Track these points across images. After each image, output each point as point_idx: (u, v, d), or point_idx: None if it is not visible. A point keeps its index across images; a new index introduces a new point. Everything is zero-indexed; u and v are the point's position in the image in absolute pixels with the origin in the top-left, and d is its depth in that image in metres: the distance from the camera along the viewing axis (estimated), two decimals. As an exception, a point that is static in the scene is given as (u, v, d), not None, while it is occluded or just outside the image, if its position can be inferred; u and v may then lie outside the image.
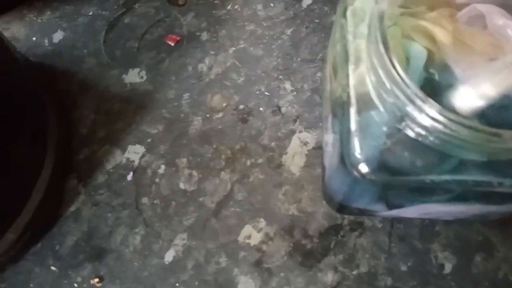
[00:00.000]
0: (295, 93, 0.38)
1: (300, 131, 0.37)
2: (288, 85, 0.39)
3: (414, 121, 0.21)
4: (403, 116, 0.21)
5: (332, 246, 0.33)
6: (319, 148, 0.36)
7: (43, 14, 0.42)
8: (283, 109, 0.38)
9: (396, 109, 0.22)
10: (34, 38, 0.41)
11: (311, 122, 0.37)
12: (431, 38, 0.26)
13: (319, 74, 0.39)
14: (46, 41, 0.41)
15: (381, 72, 0.21)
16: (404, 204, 0.29)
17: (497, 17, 0.26)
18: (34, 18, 0.42)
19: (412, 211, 0.31)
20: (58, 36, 0.41)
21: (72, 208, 0.35)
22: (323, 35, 0.40)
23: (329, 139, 0.30)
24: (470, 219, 0.34)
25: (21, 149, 0.34)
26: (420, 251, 0.33)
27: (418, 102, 0.20)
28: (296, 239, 0.34)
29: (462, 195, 0.26)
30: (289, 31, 0.41)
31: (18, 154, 0.33)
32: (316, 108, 0.38)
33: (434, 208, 0.30)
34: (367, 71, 0.24)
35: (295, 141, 0.37)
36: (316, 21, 0.41)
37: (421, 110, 0.20)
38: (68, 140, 0.37)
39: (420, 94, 0.20)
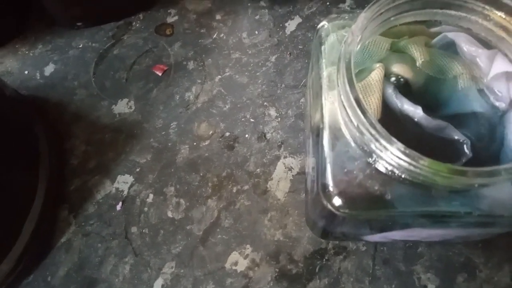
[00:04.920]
0: (279, 119, 0.39)
1: (285, 157, 0.38)
2: (272, 112, 0.40)
3: (381, 157, 0.22)
4: (371, 152, 0.22)
5: (317, 270, 0.34)
6: (303, 173, 0.37)
7: (35, 47, 0.44)
8: (268, 135, 0.39)
9: (364, 144, 0.23)
10: (26, 72, 0.42)
11: (295, 147, 0.38)
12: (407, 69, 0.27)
13: (302, 99, 0.40)
14: (38, 74, 0.42)
15: (348, 110, 0.22)
16: (385, 230, 0.30)
17: (467, 45, 0.27)
18: (27, 52, 0.44)
19: (396, 235, 0.32)
20: (49, 69, 0.43)
21: (64, 239, 0.36)
22: (306, 61, 0.41)
23: (310, 162, 0.31)
24: (453, 241, 0.34)
25: (13, 180, 0.35)
26: (403, 273, 0.34)
27: (383, 141, 0.21)
28: (282, 264, 0.34)
29: (439, 221, 0.27)
30: (273, 58, 0.42)
31: (11, 186, 0.34)
32: (300, 134, 0.39)
33: (416, 232, 0.30)
34: (338, 106, 0.25)
35: (280, 167, 0.38)
36: (300, 47, 0.42)
37: (385, 149, 0.21)
38: (60, 171, 0.38)
39: (385, 133, 0.21)
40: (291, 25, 0.43)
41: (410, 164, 0.20)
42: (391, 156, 0.21)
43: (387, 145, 0.21)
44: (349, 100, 0.22)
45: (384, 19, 0.25)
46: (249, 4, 0.45)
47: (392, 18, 0.25)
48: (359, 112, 0.21)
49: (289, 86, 0.41)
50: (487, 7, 0.24)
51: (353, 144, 0.24)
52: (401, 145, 0.20)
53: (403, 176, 0.22)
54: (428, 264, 0.34)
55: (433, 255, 0.34)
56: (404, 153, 0.20)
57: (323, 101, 0.26)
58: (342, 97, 0.23)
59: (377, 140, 0.21)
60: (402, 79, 0.27)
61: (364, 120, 0.21)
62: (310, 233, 0.35)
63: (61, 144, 0.39)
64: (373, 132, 0.21)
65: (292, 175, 0.37)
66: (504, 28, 0.25)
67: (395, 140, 0.20)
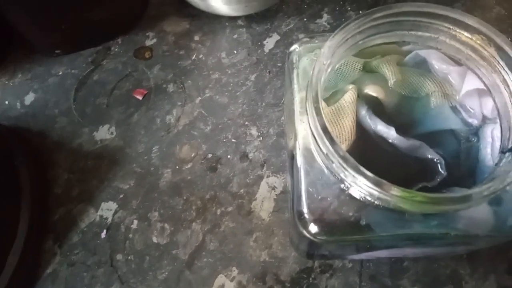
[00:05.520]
0: (261, 138, 0.39)
1: (268, 176, 0.38)
2: (254, 131, 0.40)
3: (351, 185, 0.22)
4: (342, 179, 0.22)
5: (304, 290, 0.34)
6: (286, 192, 0.37)
7: (15, 77, 0.44)
8: (250, 155, 0.39)
9: (334, 171, 0.23)
10: (6, 102, 0.42)
11: (278, 166, 0.38)
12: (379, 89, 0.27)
13: (283, 117, 0.40)
14: (18, 103, 0.42)
15: (317, 139, 0.22)
16: (366, 250, 0.30)
17: (439, 62, 0.27)
18: (6, 82, 0.43)
19: (379, 254, 0.32)
20: (30, 98, 0.43)
21: (49, 270, 0.36)
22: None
23: (290, 182, 0.31)
24: (438, 255, 0.35)
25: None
26: (390, 289, 0.34)
27: (351, 171, 0.21)
28: (268, 285, 0.34)
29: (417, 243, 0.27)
30: (253, 77, 0.42)
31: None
32: (282, 152, 0.39)
33: (398, 251, 0.30)
34: (309, 134, 0.25)
35: (263, 187, 0.38)
36: (279, 65, 0.42)
37: (355, 178, 0.21)
38: (43, 201, 0.38)
39: (353, 163, 0.21)
40: (269, 43, 0.44)
41: (379, 192, 0.21)
42: (361, 185, 0.21)
43: (356, 175, 0.21)
44: (317, 129, 0.22)
45: (352, 44, 0.25)
46: (226, 24, 0.45)
47: (360, 42, 0.26)
48: (327, 142, 0.21)
49: (270, 105, 0.41)
50: (453, 27, 0.25)
51: (326, 171, 0.24)
52: (369, 175, 0.20)
53: (376, 202, 0.22)
54: (414, 278, 0.34)
55: (419, 269, 0.34)
56: (372, 182, 0.20)
57: (297, 126, 0.26)
58: (311, 125, 0.23)
59: (345, 169, 0.21)
60: (375, 100, 0.27)
61: (332, 149, 0.21)
62: (295, 252, 0.35)
63: (43, 174, 0.39)
64: (341, 161, 0.21)
65: (276, 194, 0.37)
66: (471, 47, 0.25)
67: (363, 169, 0.21)
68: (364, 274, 0.34)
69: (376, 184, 0.20)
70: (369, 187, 0.21)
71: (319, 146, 0.22)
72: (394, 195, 0.20)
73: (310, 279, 0.34)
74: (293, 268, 0.35)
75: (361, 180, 0.21)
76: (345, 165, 0.21)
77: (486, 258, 0.34)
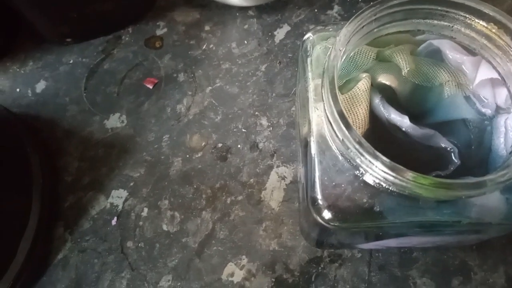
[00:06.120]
0: (271, 128, 0.39)
1: (278, 166, 0.38)
2: (264, 121, 0.40)
3: (367, 171, 0.22)
4: (358, 165, 0.22)
5: (313, 279, 0.34)
6: (296, 182, 0.37)
7: (26, 65, 0.44)
8: (260, 145, 0.39)
9: (350, 158, 0.23)
10: (18, 90, 0.43)
11: (288, 156, 0.38)
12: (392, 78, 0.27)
13: (293, 108, 0.40)
14: (29, 91, 0.42)
15: (333, 125, 0.23)
16: (378, 239, 0.30)
17: (452, 52, 0.27)
18: (18, 70, 0.44)
19: (389, 243, 0.32)
20: (41, 86, 0.43)
21: (60, 256, 0.36)
22: (296, 69, 0.42)
23: (302, 171, 0.31)
24: (448, 246, 0.35)
25: (6, 202, 0.35)
26: (399, 279, 0.34)
27: (367, 156, 0.21)
28: (278, 274, 0.35)
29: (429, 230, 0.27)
30: (263, 67, 0.42)
31: (3, 207, 0.34)
32: (292, 142, 0.39)
33: (409, 239, 0.30)
34: (324, 120, 0.25)
35: (273, 176, 0.38)
36: (289, 55, 0.43)
37: (370, 163, 0.21)
38: (54, 188, 0.38)
39: (369, 148, 0.21)
40: (280, 34, 0.44)
41: (395, 178, 0.21)
42: (376, 170, 0.21)
43: (372, 160, 0.21)
44: (333, 115, 0.22)
45: (367, 32, 0.25)
46: (237, 14, 0.45)
47: (375, 30, 0.25)
48: (343, 127, 0.21)
49: (280, 95, 0.41)
50: (468, 16, 0.25)
51: (340, 158, 0.24)
52: (385, 160, 0.20)
53: (390, 188, 0.22)
54: (424, 268, 0.34)
55: (428, 259, 0.34)
56: (389, 167, 0.20)
57: (311, 114, 0.26)
58: (326, 111, 0.23)
59: (362, 154, 0.21)
60: (388, 89, 0.27)
61: (348, 135, 0.21)
62: (305, 242, 0.35)
63: (54, 162, 0.39)
64: (358, 146, 0.21)
65: (286, 184, 0.37)
66: (486, 36, 0.25)
67: (379, 154, 0.21)
68: (373, 264, 0.35)
69: (392, 169, 0.20)
70: (384, 172, 0.21)
71: (334, 132, 0.23)
72: (410, 180, 0.20)
73: (319, 268, 0.35)
74: (302, 257, 0.35)
75: (377, 165, 0.21)
76: (361, 150, 0.21)
77: (496, 249, 0.35)
